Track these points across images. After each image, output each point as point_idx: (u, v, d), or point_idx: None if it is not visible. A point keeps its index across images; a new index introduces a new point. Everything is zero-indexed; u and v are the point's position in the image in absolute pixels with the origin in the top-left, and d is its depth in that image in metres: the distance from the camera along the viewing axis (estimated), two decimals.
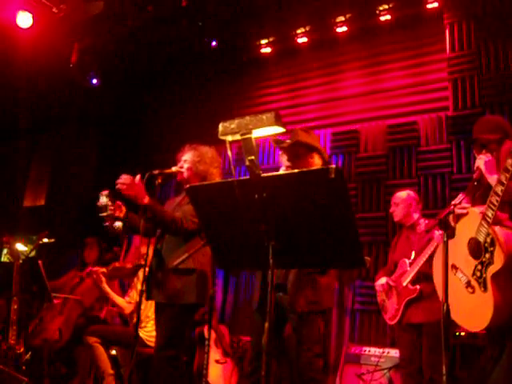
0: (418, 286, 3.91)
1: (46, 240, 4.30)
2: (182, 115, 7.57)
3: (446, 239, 2.45)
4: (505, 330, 2.47)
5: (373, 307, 5.07)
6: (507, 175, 2.36)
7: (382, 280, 4.18)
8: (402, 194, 4.30)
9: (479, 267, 2.46)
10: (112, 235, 3.38)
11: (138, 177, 3.20)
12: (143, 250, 4.44)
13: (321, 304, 3.00)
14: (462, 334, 4.20)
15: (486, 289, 2.41)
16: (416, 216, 4.24)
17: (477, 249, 2.49)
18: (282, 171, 3.10)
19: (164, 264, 3.36)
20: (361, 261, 1.85)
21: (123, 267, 4.59)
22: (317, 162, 3.13)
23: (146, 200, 3.19)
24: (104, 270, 4.58)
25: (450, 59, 5.72)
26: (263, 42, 6.97)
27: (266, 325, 1.87)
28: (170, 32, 6.68)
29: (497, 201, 2.38)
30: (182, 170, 3.55)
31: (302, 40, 6.69)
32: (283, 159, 3.16)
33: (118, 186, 3.18)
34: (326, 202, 1.77)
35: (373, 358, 4.76)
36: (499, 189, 2.38)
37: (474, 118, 5.07)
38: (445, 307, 2.35)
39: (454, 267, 2.62)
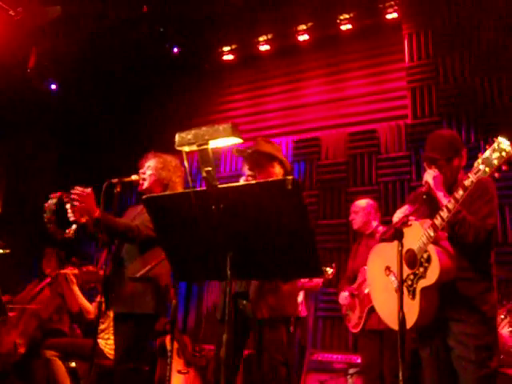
0: None
1: (1, 251, 4.16)
2: (142, 122, 7.48)
3: (400, 248, 2.49)
4: (429, 333, 2.69)
5: (335, 314, 5.09)
6: (456, 204, 2.46)
7: (345, 293, 4.21)
8: (362, 203, 4.35)
9: (411, 277, 2.64)
10: (58, 238, 3.26)
11: (89, 189, 3.13)
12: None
13: (283, 311, 2.99)
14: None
15: (413, 297, 2.61)
16: (375, 224, 4.29)
17: (412, 260, 2.64)
18: (241, 182, 3.10)
19: (123, 273, 3.29)
20: (319, 271, 1.85)
21: (96, 272, 4.49)
22: (278, 172, 3.12)
23: (97, 213, 3.12)
24: (76, 271, 4.47)
25: (408, 68, 5.85)
26: (225, 49, 6.98)
27: (225, 337, 1.85)
28: (130, 38, 6.59)
29: (440, 224, 2.51)
30: (144, 176, 3.49)
31: (265, 48, 6.73)
32: (245, 168, 3.15)
33: (73, 198, 3.10)
34: (283, 212, 1.77)
35: (335, 365, 4.78)
36: (445, 214, 2.49)
37: (433, 126, 5.22)
38: (400, 315, 2.41)
39: (388, 269, 2.80)
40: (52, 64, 6.94)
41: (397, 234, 2.53)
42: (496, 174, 2.36)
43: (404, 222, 2.59)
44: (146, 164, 3.55)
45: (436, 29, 5.79)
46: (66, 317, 5.08)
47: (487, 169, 2.35)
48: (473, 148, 3.00)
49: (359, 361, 4.38)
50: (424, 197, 2.70)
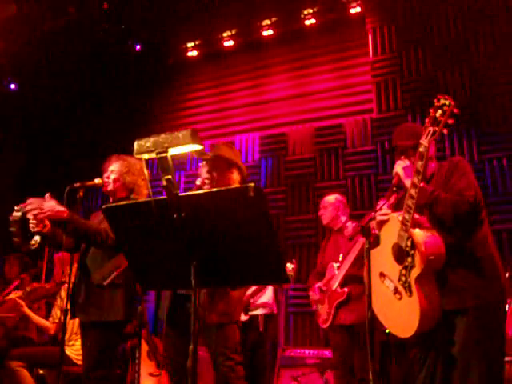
0: (345, 289, 3.98)
1: None
2: (106, 121, 7.34)
3: (368, 246, 2.48)
4: (431, 333, 2.49)
5: (306, 309, 5.11)
6: (419, 177, 2.41)
7: (314, 289, 4.23)
8: (330, 198, 4.35)
9: (403, 272, 2.48)
10: (23, 251, 3.19)
11: (47, 195, 3.04)
12: (67, 266, 4.28)
13: (232, 316, 2.98)
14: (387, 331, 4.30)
15: (411, 293, 2.42)
16: (343, 219, 4.30)
17: (399, 254, 2.51)
18: (197, 182, 3.09)
19: (89, 280, 3.22)
20: (284, 277, 1.82)
21: (41, 287, 4.40)
22: (235, 178, 3.11)
23: (66, 214, 3.03)
24: (19, 293, 4.37)
25: (373, 62, 5.88)
26: (189, 45, 6.89)
27: (191, 347, 1.82)
28: (92, 35, 6.45)
29: (412, 203, 2.41)
30: (108, 180, 3.41)
31: (229, 43, 6.67)
32: (203, 171, 3.11)
33: (28, 212, 3.01)
34: (246, 220, 1.74)
35: (308, 360, 4.80)
36: (413, 191, 2.42)
37: (398, 119, 5.26)
38: (369, 313, 2.39)
39: (382, 275, 2.63)
40: (10, 63, 6.73)
41: (363, 232, 2.50)
42: (444, 131, 2.42)
43: (371, 218, 2.58)
44: (110, 168, 3.47)
45: (399, 23, 5.82)
46: (32, 324, 4.97)
47: (436, 128, 2.41)
48: (438, 140, 3.01)
49: (331, 355, 4.40)
50: (394, 189, 2.64)
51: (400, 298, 2.50)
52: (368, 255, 2.45)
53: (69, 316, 3.23)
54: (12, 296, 4.34)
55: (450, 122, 2.41)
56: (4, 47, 6.35)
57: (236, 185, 3.03)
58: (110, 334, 3.20)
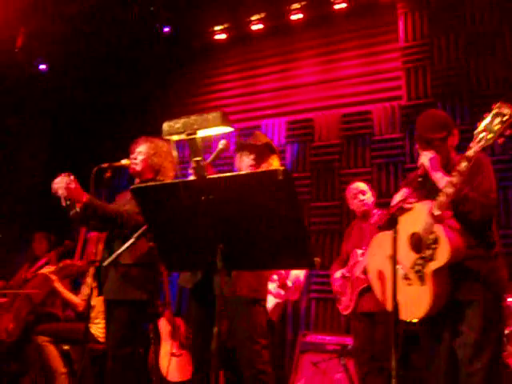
0: (369, 275, 3.96)
1: None
2: (133, 103, 7.39)
3: (395, 235, 2.47)
4: (439, 320, 2.59)
5: (328, 295, 5.10)
6: (460, 178, 2.41)
7: (337, 274, 4.21)
8: (361, 185, 4.33)
9: (419, 261, 2.55)
10: (70, 216, 3.24)
11: (71, 177, 3.08)
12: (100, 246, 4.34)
13: (262, 293, 3.02)
14: (415, 320, 4.27)
15: (423, 282, 2.51)
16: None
17: (418, 244, 2.56)
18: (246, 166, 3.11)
19: (114, 260, 3.26)
20: (310, 263, 1.82)
21: (73, 264, 4.47)
22: (275, 164, 3.13)
23: (85, 198, 3.07)
24: (52, 268, 4.45)
25: (403, 49, 5.77)
26: (217, 28, 6.84)
27: (215, 330, 1.83)
28: (121, 17, 6.47)
29: (447, 201, 2.43)
30: (136, 161, 3.45)
31: (257, 27, 6.60)
32: (245, 159, 3.12)
33: (53, 189, 3.05)
34: (274, 203, 1.74)
35: (328, 346, 4.81)
36: (450, 190, 2.42)
37: (427, 107, 5.14)
38: (394, 301, 2.40)
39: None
40: (41, 44, 6.80)
41: (391, 221, 2.51)
42: (499, 140, 2.36)
43: (400, 208, 2.56)
44: (137, 149, 3.51)
45: (431, 8, 5.69)
46: (58, 300, 5.08)
47: (490, 135, 2.34)
48: (466, 130, 2.95)
49: (352, 343, 4.40)
50: (419, 179, 2.64)
51: (410, 284, 2.59)
52: (395, 243, 2.43)
53: (95, 294, 3.30)
54: (44, 271, 4.43)
55: (508, 132, 2.34)
56: (34, 28, 6.41)
57: None
58: (135, 313, 3.25)
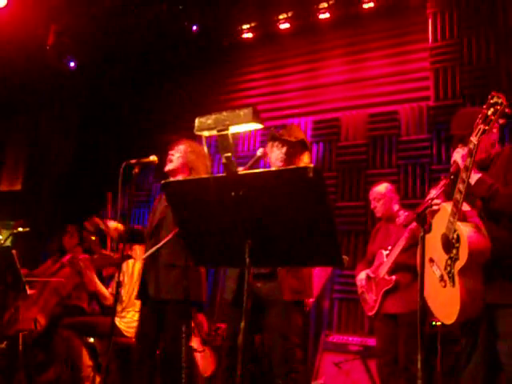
0: (393, 277, 3.93)
1: (20, 229, 4.21)
2: (160, 100, 7.46)
3: (423, 234, 2.46)
4: (475, 323, 2.53)
5: (351, 296, 5.09)
6: (467, 173, 2.41)
7: (362, 275, 4.18)
8: (381, 189, 4.25)
9: (449, 262, 2.53)
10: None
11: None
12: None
13: (304, 294, 3.01)
14: (439, 323, 4.23)
15: (454, 284, 2.48)
16: (396, 207, 4.23)
17: (447, 244, 2.55)
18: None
19: (159, 260, 3.30)
20: (339, 260, 1.82)
21: (110, 256, 4.51)
22: (306, 161, 3.12)
23: None
24: (87, 256, 4.50)
25: (432, 49, 5.71)
26: (245, 26, 6.87)
27: (242, 324, 1.84)
28: (149, 15, 6.54)
29: (460, 197, 2.42)
30: (173, 157, 3.49)
31: (285, 26, 6.61)
32: (276, 153, 3.13)
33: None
34: (304, 200, 1.74)
35: (351, 347, 4.79)
36: (461, 186, 2.42)
37: (455, 108, 5.08)
38: (421, 301, 2.38)
39: (432, 260, 2.68)
40: (71, 41, 6.92)
41: (418, 219, 2.49)
42: (494, 130, 2.46)
43: (428, 206, 2.55)
44: (176, 147, 3.55)
45: (461, 8, 5.62)
46: (84, 294, 5.15)
47: (486, 127, 2.38)
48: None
49: (375, 344, 4.38)
50: (452, 177, 2.61)
51: (444, 286, 2.56)
52: (423, 243, 2.42)
53: (127, 291, 3.33)
54: (81, 258, 4.48)
55: (501, 121, 2.41)
56: (64, 27, 6.53)
57: None
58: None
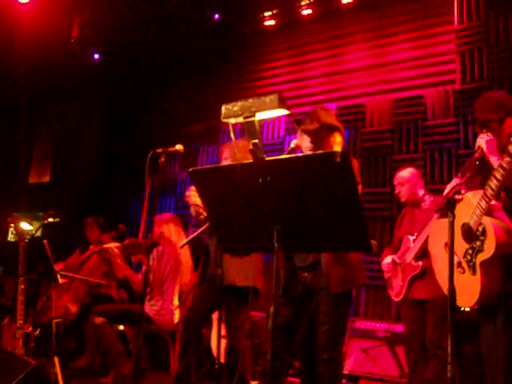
0: (420, 263, 3.90)
1: (51, 220, 4.29)
2: (186, 90, 7.50)
3: (452, 219, 2.43)
4: (492, 308, 2.56)
5: (379, 282, 5.07)
6: (503, 173, 2.34)
7: (388, 259, 4.17)
8: (405, 174, 4.21)
9: (470, 251, 2.56)
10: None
11: None
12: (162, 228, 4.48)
13: (353, 283, 2.99)
14: (467, 309, 4.20)
15: (474, 272, 2.52)
16: (421, 192, 4.19)
17: (469, 234, 2.56)
18: (292, 145, 3.10)
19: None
20: (367, 246, 1.82)
21: (138, 243, 4.57)
22: (338, 141, 3.08)
23: None
24: (117, 244, 4.58)
25: (458, 31, 5.60)
26: (267, 14, 6.84)
27: (271, 309, 1.86)
28: (171, 4, 6.56)
29: (492, 194, 2.39)
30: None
31: (307, 12, 6.56)
32: (304, 141, 3.11)
33: None
34: (331, 186, 1.74)
35: (378, 333, 4.79)
36: (494, 184, 2.38)
37: (482, 91, 5.00)
38: (451, 286, 2.37)
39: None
40: (94, 34, 6.99)
41: (448, 205, 2.47)
42: None
43: (457, 191, 2.52)
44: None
45: None
46: (113, 282, 5.26)
47: None
48: None
49: (402, 330, 4.37)
50: (477, 163, 2.59)
51: (463, 272, 2.61)
52: (452, 228, 2.40)
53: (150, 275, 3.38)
54: (110, 245, 4.56)
55: None
56: (88, 18, 6.59)
57: (337, 147, 3.02)
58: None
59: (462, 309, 4.18)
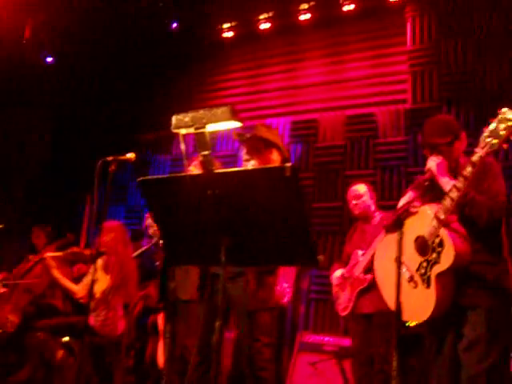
0: (368, 276, 3.95)
1: None
2: (139, 98, 7.40)
3: (400, 237, 2.47)
4: (443, 322, 2.59)
5: (328, 296, 5.10)
6: (465, 183, 2.41)
7: (337, 273, 4.21)
8: (361, 188, 4.28)
9: (424, 264, 2.56)
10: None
11: None
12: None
13: (268, 302, 3.00)
14: (413, 324, 4.27)
15: (429, 285, 2.52)
16: (373, 208, 4.27)
17: (423, 247, 2.57)
18: (240, 168, 3.13)
19: None
20: (314, 260, 1.82)
21: (81, 253, 4.49)
22: (275, 159, 3.11)
23: None
24: (60, 254, 4.47)
25: (410, 52, 5.77)
26: (225, 25, 6.84)
27: (218, 324, 1.84)
28: (129, 11, 6.47)
29: (451, 205, 2.44)
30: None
31: (265, 26, 6.60)
32: (242, 152, 3.13)
33: None
34: (280, 200, 1.74)
35: (326, 347, 4.81)
36: (455, 195, 2.43)
37: (432, 111, 5.16)
38: (397, 302, 2.40)
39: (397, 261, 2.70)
40: (48, 37, 6.81)
41: (397, 223, 2.51)
42: (504, 145, 2.37)
43: (406, 210, 2.57)
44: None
45: (440, 12, 5.69)
46: (58, 292, 5.09)
47: (495, 141, 2.35)
48: (472, 134, 2.95)
49: (350, 344, 4.40)
50: (426, 183, 2.66)
51: (415, 287, 2.60)
52: (400, 246, 2.43)
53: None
54: (50, 254, 4.44)
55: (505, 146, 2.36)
56: (42, 21, 6.42)
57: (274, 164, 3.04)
58: None
59: (407, 324, 4.27)
